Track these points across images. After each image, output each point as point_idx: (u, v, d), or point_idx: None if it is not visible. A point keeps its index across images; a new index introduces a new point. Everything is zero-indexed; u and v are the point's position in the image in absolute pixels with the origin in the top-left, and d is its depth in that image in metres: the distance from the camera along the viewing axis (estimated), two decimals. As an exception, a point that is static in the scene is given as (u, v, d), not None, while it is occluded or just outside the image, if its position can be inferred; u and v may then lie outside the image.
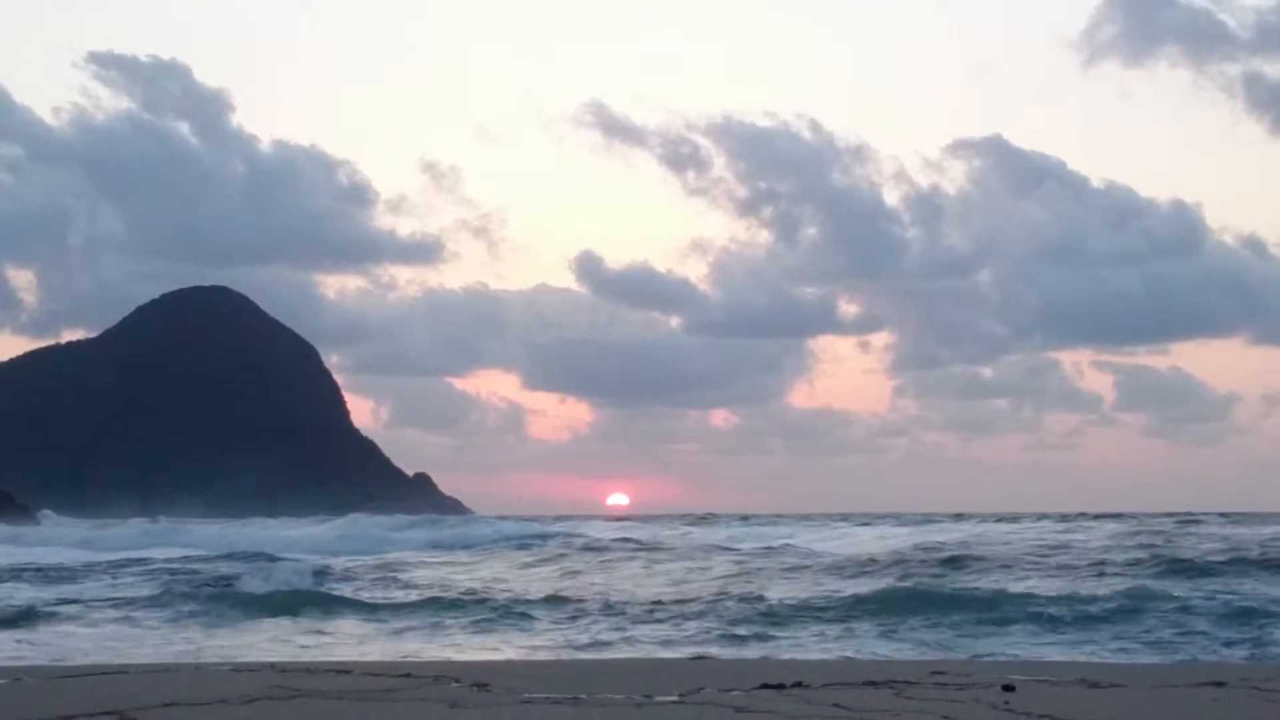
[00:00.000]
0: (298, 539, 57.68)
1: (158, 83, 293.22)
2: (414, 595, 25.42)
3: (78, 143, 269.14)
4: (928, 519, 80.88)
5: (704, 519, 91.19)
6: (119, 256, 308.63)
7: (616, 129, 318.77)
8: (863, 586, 25.13)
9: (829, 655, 16.22)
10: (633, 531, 64.27)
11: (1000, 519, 74.86)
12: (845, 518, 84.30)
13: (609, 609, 21.93)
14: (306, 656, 15.36)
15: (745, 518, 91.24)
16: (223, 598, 23.84)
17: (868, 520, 79.07)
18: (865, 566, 31.11)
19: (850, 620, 20.02)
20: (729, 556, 37.24)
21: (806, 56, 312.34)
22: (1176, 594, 22.30)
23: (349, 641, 18.34)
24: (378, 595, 25.98)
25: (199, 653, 16.21)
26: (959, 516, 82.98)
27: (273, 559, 37.96)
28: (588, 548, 44.56)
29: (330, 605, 23.05)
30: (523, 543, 51.33)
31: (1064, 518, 74.52)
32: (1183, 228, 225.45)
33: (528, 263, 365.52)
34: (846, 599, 22.32)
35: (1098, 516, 78.59)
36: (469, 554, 45.19)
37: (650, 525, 77.12)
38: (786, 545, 45.00)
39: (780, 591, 24.85)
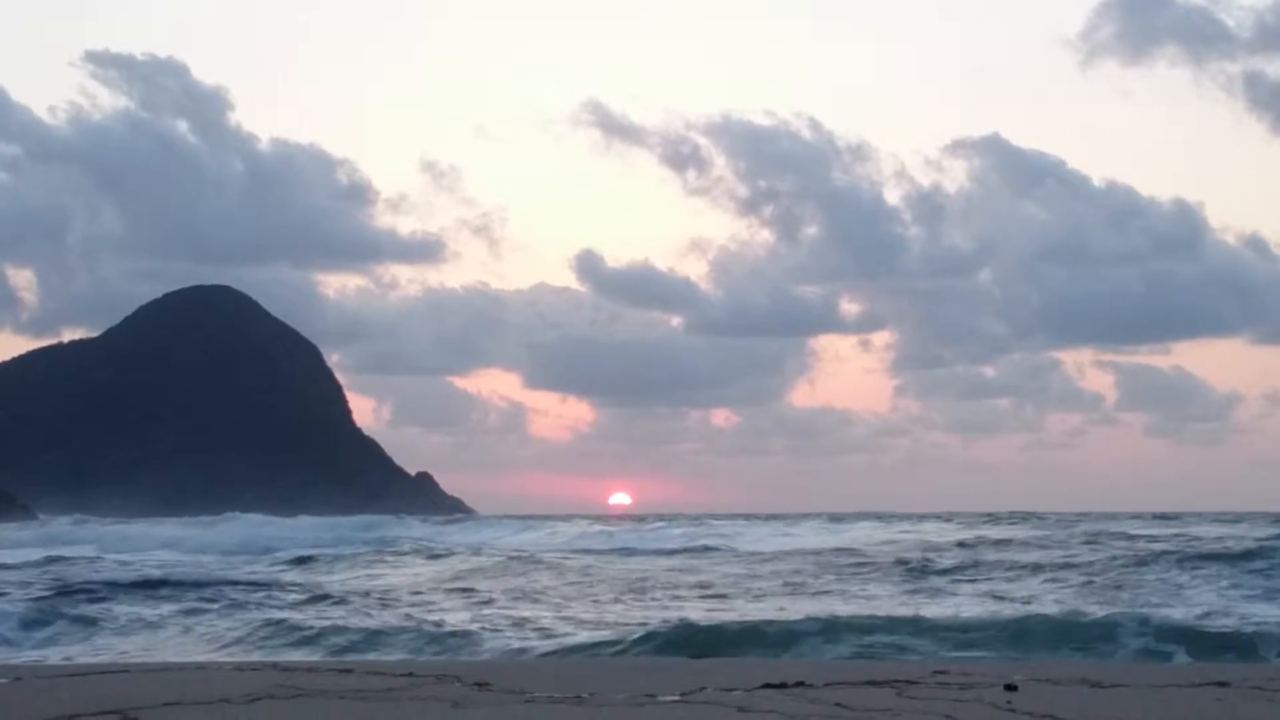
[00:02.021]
0: (203, 537, 59.56)
1: (155, 81, 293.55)
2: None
3: (76, 142, 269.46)
4: (923, 518, 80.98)
5: (670, 519, 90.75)
6: (118, 256, 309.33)
7: (616, 128, 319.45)
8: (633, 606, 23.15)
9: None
10: (590, 529, 64.47)
11: (995, 519, 74.80)
12: (837, 517, 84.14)
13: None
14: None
15: (735, 518, 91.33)
16: None
17: (843, 519, 79.07)
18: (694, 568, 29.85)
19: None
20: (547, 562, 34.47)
21: (806, 56, 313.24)
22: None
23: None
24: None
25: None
26: (947, 518, 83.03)
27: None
28: (429, 552, 41.28)
29: None
30: (415, 546, 48.49)
31: (1042, 517, 74.47)
32: (1184, 227, 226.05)
33: (528, 262, 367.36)
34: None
35: (1098, 517, 78.73)
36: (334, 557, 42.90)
37: (603, 526, 75.86)
38: (706, 548, 43.84)
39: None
